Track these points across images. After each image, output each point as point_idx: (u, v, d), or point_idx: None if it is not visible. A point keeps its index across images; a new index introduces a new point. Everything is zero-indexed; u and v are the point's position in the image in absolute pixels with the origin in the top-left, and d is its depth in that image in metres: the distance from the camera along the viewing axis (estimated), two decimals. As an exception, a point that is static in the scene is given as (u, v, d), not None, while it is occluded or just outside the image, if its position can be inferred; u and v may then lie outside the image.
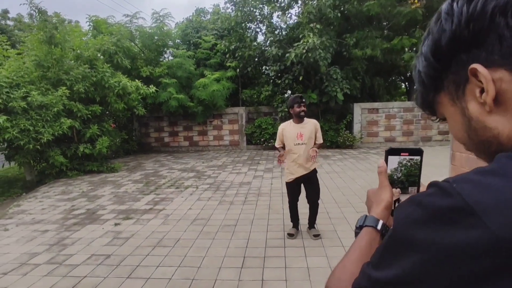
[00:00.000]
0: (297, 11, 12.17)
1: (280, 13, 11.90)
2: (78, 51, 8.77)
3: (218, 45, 12.38)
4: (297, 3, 11.95)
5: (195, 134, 12.86)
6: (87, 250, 3.79)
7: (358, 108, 11.83)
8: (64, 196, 6.34)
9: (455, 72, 0.47)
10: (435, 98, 0.53)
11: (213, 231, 4.23)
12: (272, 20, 11.94)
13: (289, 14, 12.28)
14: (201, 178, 7.58)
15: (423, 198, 0.43)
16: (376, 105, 11.96)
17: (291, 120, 3.86)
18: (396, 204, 0.67)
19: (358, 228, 0.68)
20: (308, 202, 3.95)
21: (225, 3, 12.20)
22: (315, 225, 4.05)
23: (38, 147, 7.27)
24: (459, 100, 0.48)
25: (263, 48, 12.36)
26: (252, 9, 11.52)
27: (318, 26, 10.31)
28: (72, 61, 8.67)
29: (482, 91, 0.44)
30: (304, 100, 3.76)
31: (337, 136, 11.64)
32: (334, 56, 11.34)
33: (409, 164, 0.66)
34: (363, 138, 11.81)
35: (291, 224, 4.07)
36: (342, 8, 11.49)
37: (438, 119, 0.58)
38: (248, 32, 12.34)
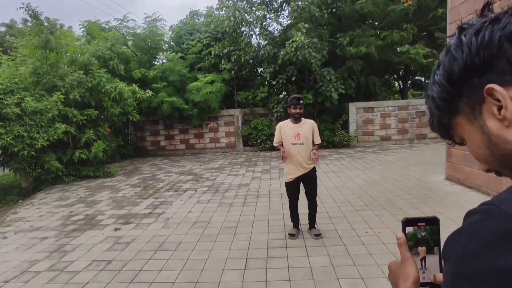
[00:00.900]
0: (288, 12, 12.25)
1: (272, 15, 11.98)
2: (73, 56, 8.72)
3: (212, 48, 12.38)
4: (289, 4, 12.03)
5: (191, 137, 12.84)
6: (88, 256, 3.77)
7: (353, 108, 11.91)
8: (62, 202, 6.29)
9: (468, 95, 0.51)
10: (451, 120, 0.56)
11: (214, 234, 4.23)
12: (265, 22, 11.98)
13: (281, 16, 12.37)
14: (199, 180, 7.57)
15: (473, 227, 0.43)
16: (371, 104, 12.06)
17: (289, 120, 3.89)
18: (423, 262, 0.67)
19: None
20: (308, 202, 3.97)
21: (217, 9, 12.25)
22: (315, 225, 4.08)
23: (33, 153, 7.20)
24: (476, 119, 0.51)
25: (256, 49, 12.39)
26: (244, 13, 11.55)
27: (306, 25, 10.40)
28: (66, 67, 8.63)
29: (499, 108, 0.48)
30: (301, 101, 3.79)
31: (333, 135, 11.71)
32: (329, 56, 11.43)
33: (429, 229, 0.68)
34: (358, 137, 11.89)
35: (292, 224, 4.09)
36: (334, 9, 11.59)
37: (453, 143, 0.60)
38: (242, 35, 12.39)
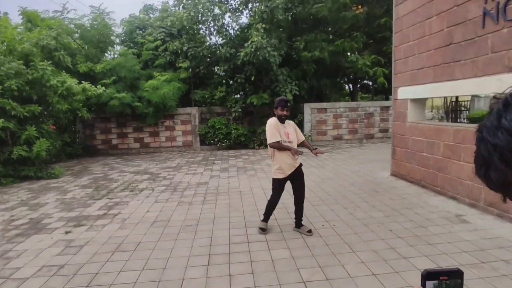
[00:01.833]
0: (248, 12, 12.36)
1: (230, 14, 12.01)
2: (11, 44, 7.91)
3: (169, 45, 12.04)
4: (247, 6, 12.15)
5: (146, 135, 12.37)
6: (36, 262, 3.50)
7: (308, 108, 12.41)
8: (0, 206, 5.72)
9: None
10: None
11: (175, 232, 4.18)
12: (224, 21, 11.97)
13: (240, 15, 12.45)
14: (156, 180, 7.36)
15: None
16: (324, 105, 12.67)
17: (275, 119, 3.99)
18: None
19: None
20: (297, 198, 4.03)
21: (174, 6, 11.94)
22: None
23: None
24: None
25: (214, 48, 12.33)
26: (203, 10, 11.43)
27: (264, 26, 10.62)
28: (2, 56, 7.80)
29: None
30: (288, 105, 3.99)
31: (289, 135, 12.06)
32: (285, 58, 11.77)
33: (451, 284, 0.63)
34: (312, 136, 12.42)
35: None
36: (293, 12, 11.96)
37: (505, 200, 0.51)
38: (200, 32, 12.23)
